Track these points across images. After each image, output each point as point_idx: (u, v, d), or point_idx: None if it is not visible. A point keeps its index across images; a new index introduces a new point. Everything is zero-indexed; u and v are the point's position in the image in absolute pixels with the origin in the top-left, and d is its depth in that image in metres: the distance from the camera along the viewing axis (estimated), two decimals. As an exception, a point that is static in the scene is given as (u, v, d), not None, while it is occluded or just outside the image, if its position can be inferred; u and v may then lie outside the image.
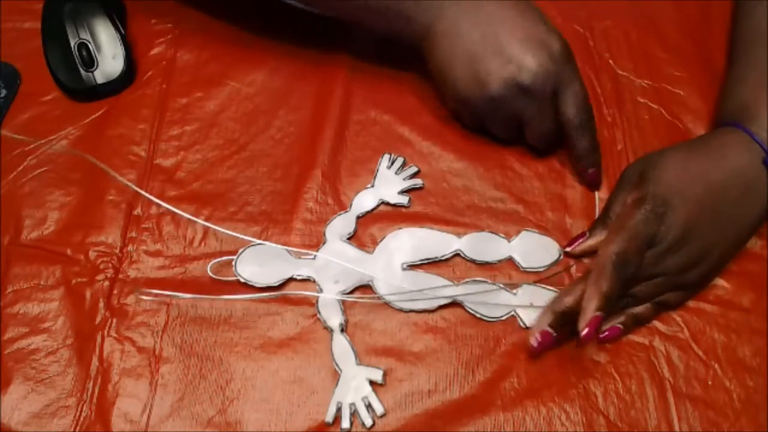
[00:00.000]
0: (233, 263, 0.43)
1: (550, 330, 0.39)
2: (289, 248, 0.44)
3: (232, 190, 0.46)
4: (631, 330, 0.41)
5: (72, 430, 0.39)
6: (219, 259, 0.43)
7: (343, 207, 0.46)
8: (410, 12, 0.44)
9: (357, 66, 0.51)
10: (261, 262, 0.43)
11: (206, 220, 0.45)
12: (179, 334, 0.42)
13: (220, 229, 0.43)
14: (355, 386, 0.40)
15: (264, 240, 0.44)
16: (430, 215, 0.46)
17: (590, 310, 0.38)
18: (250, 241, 0.43)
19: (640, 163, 0.43)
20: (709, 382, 0.40)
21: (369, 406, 0.39)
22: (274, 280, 0.43)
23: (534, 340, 0.40)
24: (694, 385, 0.40)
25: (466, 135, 0.48)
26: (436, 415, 0.39)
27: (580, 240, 0.43)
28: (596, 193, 0.46)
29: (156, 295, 0.42)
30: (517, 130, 0.45)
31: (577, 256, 0.44)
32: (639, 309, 0.41)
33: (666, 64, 0.51)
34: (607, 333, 0.40)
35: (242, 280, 0.43)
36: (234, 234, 0.43)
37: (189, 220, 0.45)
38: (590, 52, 0.52)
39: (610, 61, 0.52)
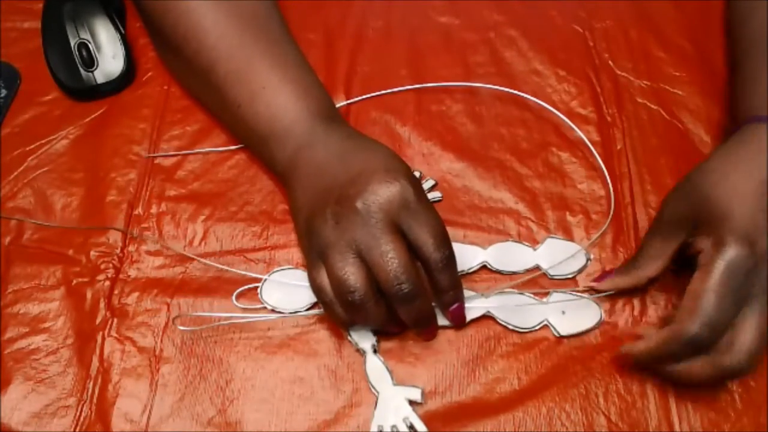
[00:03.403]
0: (258, 291, 0.42)
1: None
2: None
3: (233, 189, 0.46)
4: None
5: (72, 430, 0.39)
6: (243, 288, 0.42)
7: (343, 207, 0.46)
8: (272, 151, 0.43)
9: (357, 66, 0.51)
10: (286, 288, 0.42)
11: (206, 219, 0.45)
12: (179, 334, 0.42)
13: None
14: (395, 407, 0.39)
15: (264, 239, 0.44)
16: (430, 215, 0.46)
17: (636, 349, 0.38)
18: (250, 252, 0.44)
19: (682, 200, 0.40)
20: (710, 382, 0.40)
21: (411, 427, 0.39)
22: (301, 305, 0.42)
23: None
24: (694, 385, 0.40)
25: (466, 135, 0.48)
26: (436, 415, 0.39)
27: (609, 276, 0.42)
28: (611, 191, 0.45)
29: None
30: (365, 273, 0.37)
31: (600, 293, 0.42)
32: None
33: (665, 64, 0.51)
34: None
35: (269, 308, 0.42)
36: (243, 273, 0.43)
37: (189, 218, 0.45)
38: (590, 52, 0.52)
39: (610, 62, 0.52)
